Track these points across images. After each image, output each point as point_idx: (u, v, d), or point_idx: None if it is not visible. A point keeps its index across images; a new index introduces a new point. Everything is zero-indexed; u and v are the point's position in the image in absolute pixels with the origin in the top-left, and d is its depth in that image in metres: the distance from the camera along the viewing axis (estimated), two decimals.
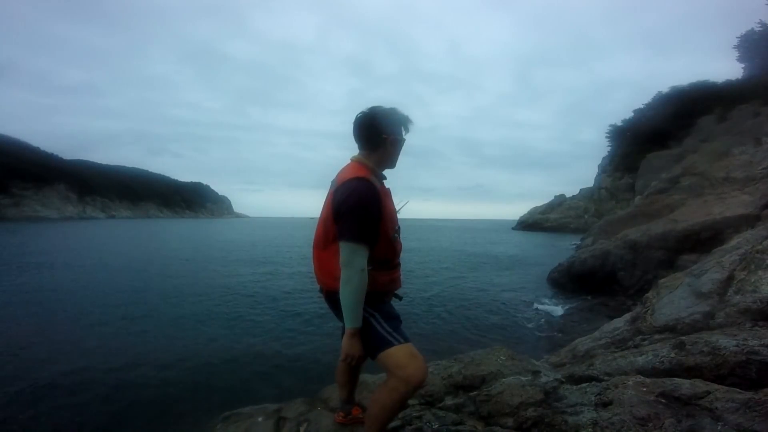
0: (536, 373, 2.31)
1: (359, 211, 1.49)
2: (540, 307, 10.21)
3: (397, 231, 1.71)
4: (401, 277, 1.86)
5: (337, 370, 2.12)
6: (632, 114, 49.66)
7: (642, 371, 2.26)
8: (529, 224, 55.21)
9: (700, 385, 1.79)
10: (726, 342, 2.17)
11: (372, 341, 1.56)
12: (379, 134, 1.62)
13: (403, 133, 1.72)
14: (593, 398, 1.95)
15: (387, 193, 1.69)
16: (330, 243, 1.60)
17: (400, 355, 1.51)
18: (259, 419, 2.43)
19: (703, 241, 9.35)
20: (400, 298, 1.96)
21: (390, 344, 1.53)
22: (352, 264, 1.47)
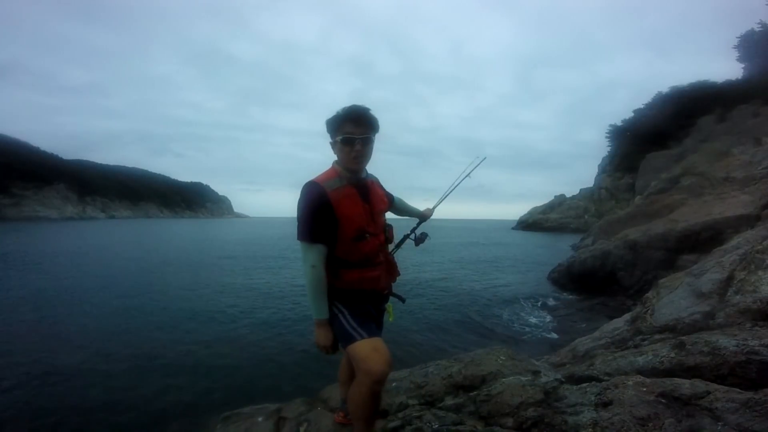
0: (536, 373, 2.31)
1: (302, 212, 1.62)
2: (540, 307, 10.21)
3: (369, 231, 1.71)
4: (388, 277, 1.87)
5: (339, 368, 2.14)
6: (632, 114, 49.71)
7: (642, 371, 2.26)
8: (529, 224, 55.21)
9: (700, 385, 1.79)
10: (726, 342, 2.17)
11: (339, 336, 1.68)
12: (331, 139, 1.72)
13: (343, 131, 1.63)
14: (593, 398, 1.95)
15: (349, 194, 1.67)
16: None
17: (362, 349, 1.59)
18: (259, 419, 2.43)
19: (703, 241, 9.34)
20: (403, 300, 2.00)
21: (354, 339, 1.62)
22: (304, 260, 1.63)
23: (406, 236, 2.22)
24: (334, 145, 1.71)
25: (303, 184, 1.66)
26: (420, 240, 2.26)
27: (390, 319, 1.94)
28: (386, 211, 1.93)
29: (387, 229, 1.88)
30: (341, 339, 1.67)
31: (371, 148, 1.71)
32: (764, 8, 34.91)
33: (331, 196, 1.61)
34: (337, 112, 1.66)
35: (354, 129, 1.63)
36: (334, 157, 1.75)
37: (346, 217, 1.64)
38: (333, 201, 1.61)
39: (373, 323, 1.73)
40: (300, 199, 1.64)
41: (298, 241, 1.64)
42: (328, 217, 1.61)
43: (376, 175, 1.93)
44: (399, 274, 1.98)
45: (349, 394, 1.72)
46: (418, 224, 2.30)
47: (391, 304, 1.94)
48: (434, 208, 2.41)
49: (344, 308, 1.69)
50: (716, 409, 1.60)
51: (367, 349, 1.59)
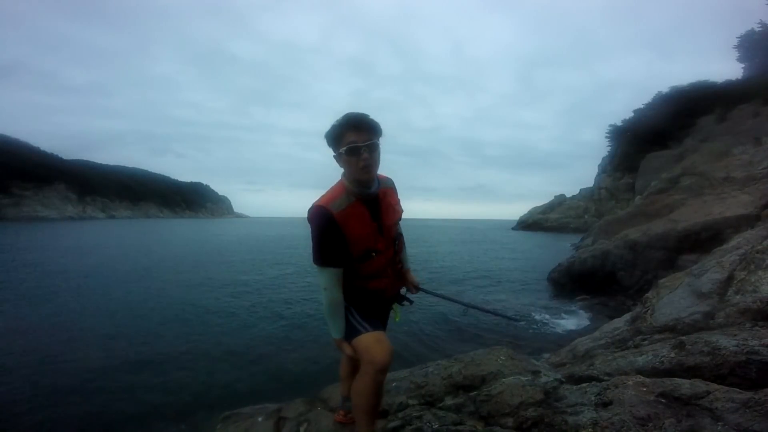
0: (536, 373, 2.30)
1: (315, 238, 1.62)
2: (540, 307, 10.20)
3: (376, 249, 1.69)
4: (393, 287, 1.89)
5: (340, 365, 2.15)
6: (632, 114, 49.60)
7: (642, 371, 2.26)
8: (529, 224, 55.21)
9: (700, 385, 1.79)
10: (726, 342, 2.16)
11: (346, 330, 1.73)
12: (334, 153, 1.62)
13: (346, 141, 1.53)
14: (593, 398, 1.95)
15: (357, 213, 1.62)
16: None
17: (366, 340, 1.66)
18: (259, 419, 2.43)
19: (703, 241, 9.34)
20: (411, 302, 2.02)
21: (359, 332, 1.69)
22: (319, 283, 1.68)
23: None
24: (339, 157, 1.60)
25: (310, 207, 1.62)
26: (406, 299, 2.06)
27: (396, 320, 1.97)
28: (399, 220, 1.87)
29: (396, 242, 1.84)
30: (347, 333, 1.72)
31: (378, 155, 1.59)
32: (764, 8, 34.89)
33: (338, 217, 1.57)
34: (335, 123, 1.56)
35: (357, 137, 1.52)
36: (337, 161, 1.67)
37: (353, 238, 1.62)
38: (340, 222, 1.57)
39: (377, 319, 1.77)
40: (309, 223, 1.61)
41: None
42: (337, 239, 1.59)
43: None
44: (412, 284, 2.01)
45: (352, 386, 1.76)
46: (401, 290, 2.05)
47: (398, 305, 1.97)
48: (421, 289, 2.08)
49: (351, 306, 1.74)
50: (716, 409, 1.60)
51: (371, 341, 1.65)
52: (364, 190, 1.64)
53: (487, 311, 2.45)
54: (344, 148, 1.54)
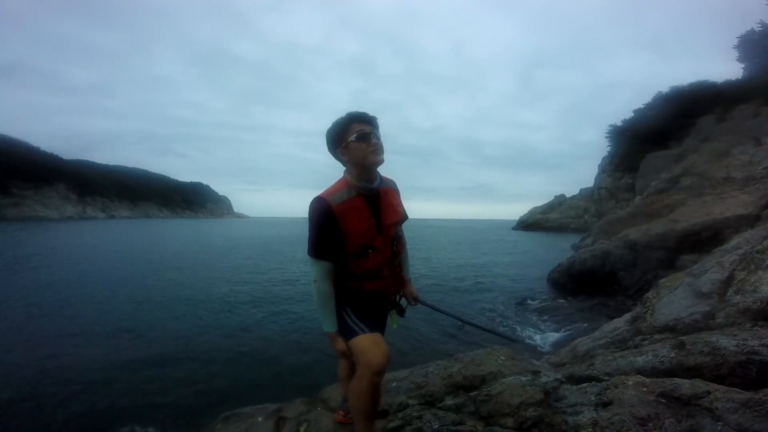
0: (536, 373, 2.31)
1: (311, 229, 1.65)
2: (540, 307, 10.20)
3: (373, 246, 1.69)
4: (391, 289, 1.87)
5: (339, 365, 2.15)
6: (632, 114, 49.61)
7: (642, 371, 2.25)
8: (529, 224, 55.21)
9: (700, 385, 1.78)
10: (726, 342, 2.16)
11: (343, 332, 1.73)
12: (335, 149, 1.69)
13: (354, 130, 1.61)
14: (593, 398, 1.94)
15: (356, 207, 1.64)
16: None
17: (363, 342, 1.66)
18: (259, 419, 2.43)
19: (703, 241, 9.33)
20: (403, 313, 1.99)
21: (355, 333, 1.69)
22: (312, 275, 1.70)
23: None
24: (344, 150, 1.65)
25: (311, 200, 1.66)
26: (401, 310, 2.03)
27: (393, 326, 1.95)
28: (401, 223, 1.86)
29: (395, 242, 1.83)
30: (344, 334, 1.71)
31: (383, 145, 1.67)
32: (764, 8, 34.87)
33: (336, 210, 1.60)
34: (338, 120, 1.64)
35: (364, 126, 1.62)
36: (338, 162, 1.72)
37: (350, 233, 1.63)
38: (338, 215, 1.60)
39: (374, 321, 1.77)
40: (309, 215, 1.65)
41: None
42: (333, 232, 1.61)
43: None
44: (411, 295, 2.00)
45: (349, 388, 1.76)
46: (400, 297, 2.02)
47: (394, 313, 1.96)
48: (420, 301, 2.10)
49: (347, 307, 1.74)
50: (716, 409, 1.60)
51: (368, 342, 1.65)
52: (366, 185, 1.67)
53: (484, 329, 2.40)
54: (354, 135, 1.60)
